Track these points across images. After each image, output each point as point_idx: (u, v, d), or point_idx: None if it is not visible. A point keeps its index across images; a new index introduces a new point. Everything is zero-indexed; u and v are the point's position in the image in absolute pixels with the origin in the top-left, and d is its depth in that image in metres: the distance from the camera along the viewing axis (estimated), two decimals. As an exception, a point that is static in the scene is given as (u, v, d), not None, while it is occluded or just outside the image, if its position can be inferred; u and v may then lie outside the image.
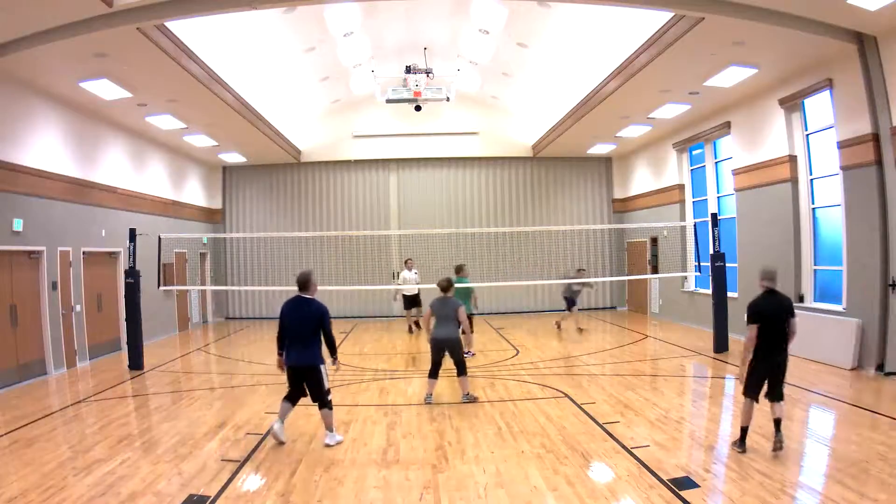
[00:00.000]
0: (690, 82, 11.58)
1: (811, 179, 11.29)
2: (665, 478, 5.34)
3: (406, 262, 15.21)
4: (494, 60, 15.02)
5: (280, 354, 6.57)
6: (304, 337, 6.40)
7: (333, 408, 6.64)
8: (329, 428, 6.57)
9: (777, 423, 5.88)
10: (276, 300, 19.37)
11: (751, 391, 6.05)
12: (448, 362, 8.30)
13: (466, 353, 11.12)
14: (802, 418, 7.33)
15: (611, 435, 6.67)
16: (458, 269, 12.27)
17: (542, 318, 17.92)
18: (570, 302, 14.89)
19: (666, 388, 9.12)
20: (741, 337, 12.47)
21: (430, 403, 8.17)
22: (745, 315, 6.07)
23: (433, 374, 8.35)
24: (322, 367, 6.45)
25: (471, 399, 8.23)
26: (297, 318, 6.44)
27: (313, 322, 6.40)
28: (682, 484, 5.19)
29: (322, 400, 6.47)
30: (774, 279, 6.18)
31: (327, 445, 6.45)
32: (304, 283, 6.55)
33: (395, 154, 19.62)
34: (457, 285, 11.25)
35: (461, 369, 8.28)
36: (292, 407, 6.68)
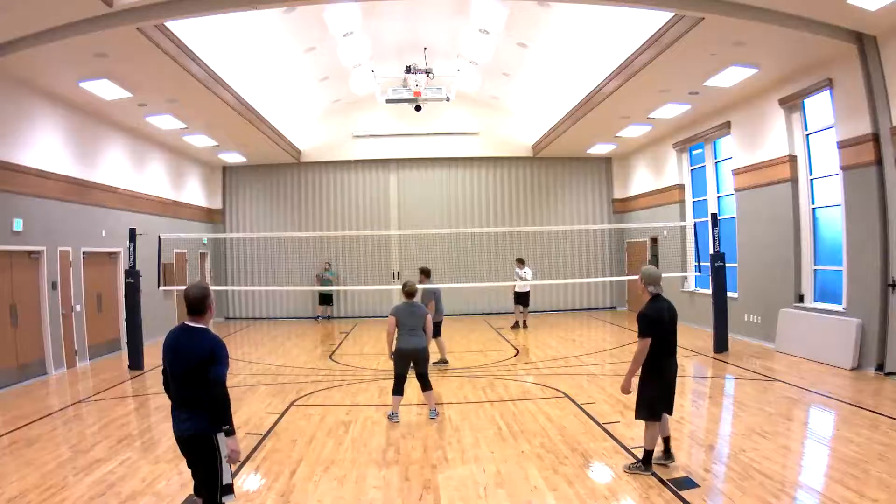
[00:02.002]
0: (690, 82, 11.58)
1: (811, 179, 11.29)
2: (665, 478, 5.34)
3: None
4: (494, 60, 15.01)
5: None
6: (190, 388, 3.92)
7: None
8: None
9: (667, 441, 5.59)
10: (277, 300, 19.50)
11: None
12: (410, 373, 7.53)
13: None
14: (803, 418, 7.33)
15: (611, 435, 6.68)
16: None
17: (542, 318, 17.91)
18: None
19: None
20: (741, 337, 12.56)
21: (396, 422, 7.36)
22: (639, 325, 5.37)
23: (399, 389, 7.48)
24: (217, 436, 3.93)
25: (437, 414, 7.60)
26: (180, 357, 3.97)
27: (200, 363, 3.88)
28: (682, 484, 5.19)
29: (211, 494, 3.95)
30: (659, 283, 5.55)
31: None
32: (197, 302, 4.03)
33: (395, 154, 19.61)
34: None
35: (427, 384, 7.57)
36: None
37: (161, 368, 4.18)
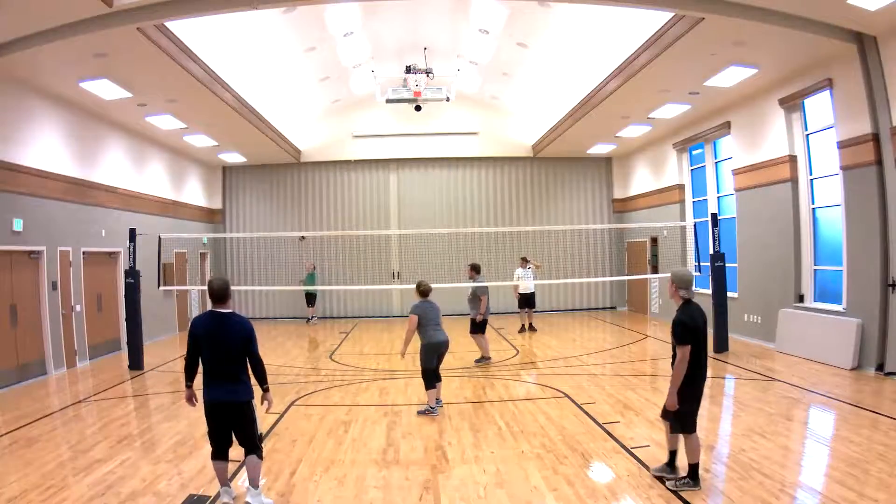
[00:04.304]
0: (690, 82, 11.58)
1: (811, 179, 11.28)
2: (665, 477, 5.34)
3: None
4: (494, 60, 15.01)
5: (188, 386, 5.11)
6: (230, 363, 4.82)
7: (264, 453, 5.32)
8: (255, 483, 4.97)
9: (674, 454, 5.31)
10: (277, 300, 19.49)
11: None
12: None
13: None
14: (802, 418, 7.33)
15: (611, 435, 6.67)
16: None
17: (542, 318, 17.90)
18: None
19: (666, 388, 9.07)
20: (741, 337, 12.56)
21: (435, 415, 7.64)
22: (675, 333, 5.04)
23: (432, 382, 7.77)
24: (251, 402, 4.96)
25: (441, 405, 7.95)
26: (217, 339, 4.82)
27: (242, 343, 4.83)
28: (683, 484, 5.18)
29: (252, 444, 4.97)
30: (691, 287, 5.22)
31: None
32: (222, 291, 4.90)
33: (395, 154, 19.62)
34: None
35: (440, 375, 7.99)
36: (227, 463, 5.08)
37: (187, 351, 4.90)
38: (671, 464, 5.33)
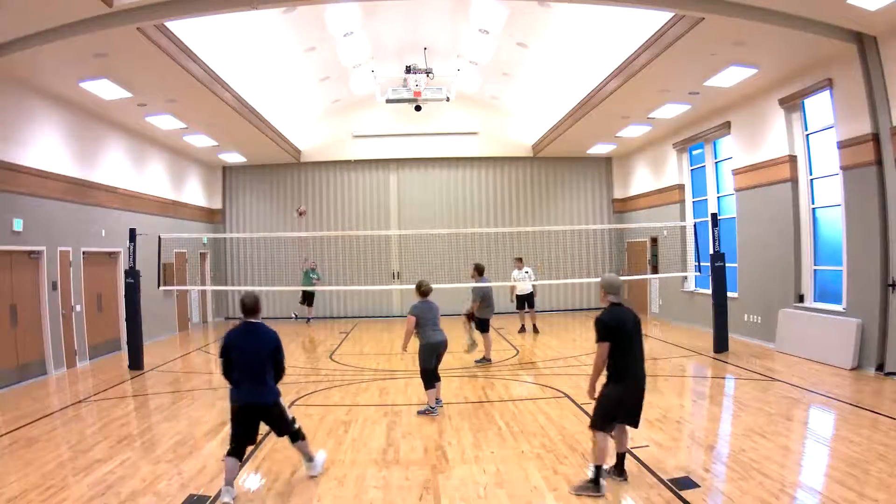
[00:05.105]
0: (690, 82, 11.58)
1: (811, 179, 11.28)
2: (665, 478, 5.34)
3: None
4: (494, 60, 15.02)
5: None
6: (261, 367, 5.33)
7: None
8: (309, 458, 5.68)
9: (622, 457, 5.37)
10: (276, 300, 19.46)
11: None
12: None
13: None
14: (802, 418, 7.33)
15: (611, 435, 6.65)
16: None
17: (542, 318, 17.88)
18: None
19: (666, 388, 9.11)
20: (741, 337, 12.56)
21: (435, 415, 7.66)
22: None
23: (431, 382, 7.78)
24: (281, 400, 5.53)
25: (441, 405, 7.99)
26: (247, 346, 5.34)
27: (270, 351, 5.36)
28: (682, 484, 5.19)
29: (291, 434, 5.55)
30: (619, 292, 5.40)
31: (312, 477, 5.61)
32: (254, 306, 5.46)
33: (395, 154, 19.62)
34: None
35: (438, 375, 7.97)
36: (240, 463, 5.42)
37: (222, 360, 5.35)
38: (619, 466, 5.34)
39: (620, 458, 5.36)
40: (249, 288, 18.57)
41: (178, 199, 17.02)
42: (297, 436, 5.54)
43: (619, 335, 5.12)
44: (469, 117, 19.29)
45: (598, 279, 5.92)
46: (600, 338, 5.13)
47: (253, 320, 5.41)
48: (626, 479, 5.30)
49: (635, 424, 5.33)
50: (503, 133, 19.57)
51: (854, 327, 9.55)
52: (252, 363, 5.25)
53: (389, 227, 19.43)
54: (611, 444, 5.31)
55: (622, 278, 6.05)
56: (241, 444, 5.27)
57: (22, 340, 10.17)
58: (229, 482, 5.11)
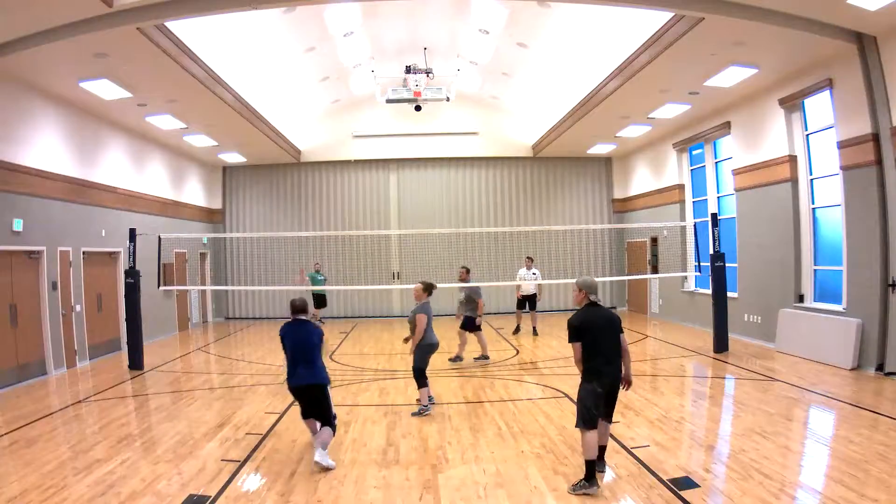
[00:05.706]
0: (690, 82, 11.58)
1: (811, 179, 11.29)
2: (665, 478, 5.35)
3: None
4: (494, 60, 15.02)
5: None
6: (311, 355, 6.32)
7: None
8: (324, 446, 6.04)
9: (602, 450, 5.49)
10: (277, 300, 19.48)
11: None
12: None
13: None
14: (803, 418, 7.33)
15: (611, 435, 6.66)
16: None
17: (542, 318, 17.89)
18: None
19: (666, 388, 9.12)
20: (741, 337, 12.56)
21: (429, 413, 7.74)
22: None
23: (424, 381, 7.89)
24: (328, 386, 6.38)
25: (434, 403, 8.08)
26: (297, 338, 6.35)
27: (315, 343, 6.37)
28: (682, 484, 5.19)
29: (326, 419, 6.22)
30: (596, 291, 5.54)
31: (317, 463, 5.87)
32: (302, 307, 6.53)
33: (395, 154, 19.62)
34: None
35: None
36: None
37: (282, 347, 6.36)
38: (599, 458, 5.39)
39: (600, 450, 5.44)
40: (249, 288, 18.67)
41: (178, 199, 17.02)
42: (329, 423, 6.14)
43: (588, 335, 5.28)
44: (469, 117, 19.29)
45: (598, 280, 5.99)
46: (570, 339, 5.36)
47: (301, 317, 6.42)
48: (603, 471, 5.42)
49: (608, 419, 5.51)
50: (503, 133, 19.57)
51: (854, 327, 9.55)
52: (305, 348, 6.23)
53: (389, 227, 19.43)
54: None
55: (597, 280, 6.26)
56: (306, 415, 6.35)
57: (22, 340, 10.17)
58: (315, 431, 6.26)
